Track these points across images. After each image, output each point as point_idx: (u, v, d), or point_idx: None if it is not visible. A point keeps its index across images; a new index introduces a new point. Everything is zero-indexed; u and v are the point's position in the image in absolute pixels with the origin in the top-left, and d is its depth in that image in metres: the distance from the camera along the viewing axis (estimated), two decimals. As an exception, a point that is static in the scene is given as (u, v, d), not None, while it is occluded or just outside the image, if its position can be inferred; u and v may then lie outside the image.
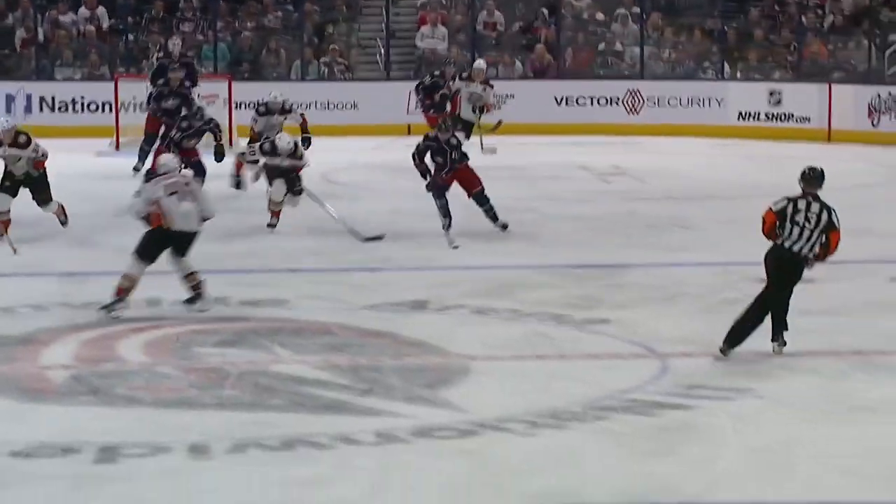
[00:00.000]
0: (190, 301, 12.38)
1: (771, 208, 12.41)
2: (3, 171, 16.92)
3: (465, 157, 18.85)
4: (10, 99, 34.83)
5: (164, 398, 13.71)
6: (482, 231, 21.76)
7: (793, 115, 32.12)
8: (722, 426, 12.77)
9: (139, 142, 29.36)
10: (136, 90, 31.51)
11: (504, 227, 19.73)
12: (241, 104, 32.41)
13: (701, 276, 18.34)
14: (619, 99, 27.07)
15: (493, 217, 19.74)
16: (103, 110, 33.06)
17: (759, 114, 33.69)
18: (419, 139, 22.95)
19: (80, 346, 15.39)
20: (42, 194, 14.25)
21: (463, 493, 11.23)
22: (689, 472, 11.62)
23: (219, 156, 23.49)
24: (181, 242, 12.16)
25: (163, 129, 21.99)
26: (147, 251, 11.50)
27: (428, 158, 20.82)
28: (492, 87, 28.20)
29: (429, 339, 15.40)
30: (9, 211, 17.80)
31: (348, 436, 12.48)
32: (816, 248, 12.21)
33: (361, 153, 30.61)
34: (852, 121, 31.50)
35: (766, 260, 13.04)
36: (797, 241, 11.94)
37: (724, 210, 24.87)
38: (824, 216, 12.29)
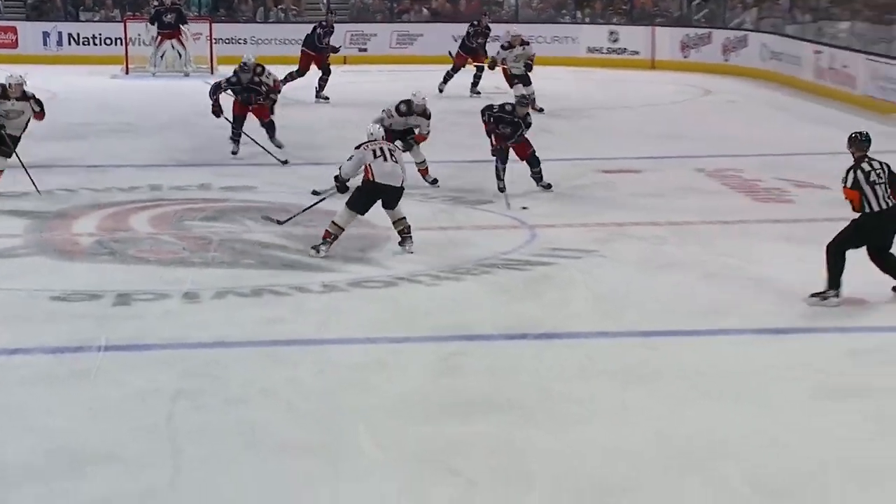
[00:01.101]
0: (400, 244, 12.38)
1: (846, 186, 10.16)
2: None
3: (528, 128, 16.16)
4: (46, 35, 34.25)
5: (165, 258, 13.68)
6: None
7: (626, 50, 32.17)
8: (574, 277, 12.88)
9: (144, 67, 29.90)
10: (140, 29, 31.08)
11: (548, 186, 16.75)
12: (219, 40, 31.90)
13: (561, 168, 18.20)
14: (499, 37, 26.76)
15: (539, 178, 16.62)
16: (116, 44, 32.45)
17: (602, 48, 33.64)
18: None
19: (101, 219, 15.29)
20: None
21: (386, 327, 11.40)
22: (550, 311, 11.85)
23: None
24: (387, 196, 11.76)
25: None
26: (357, 203, 10.86)
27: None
28: (528, 43, 26.00)
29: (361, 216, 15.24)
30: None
31: (302, 286, 12.56)
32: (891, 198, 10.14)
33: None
34: (669, 54, 31.61)
35: (863, 230, 10.41)
36: (881, 199, 10.00)
37: (577, 119, 24.73)
38: (886, 168, 10.21)
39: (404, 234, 12.01)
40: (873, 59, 23.59)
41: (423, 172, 16.78)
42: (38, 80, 25.53)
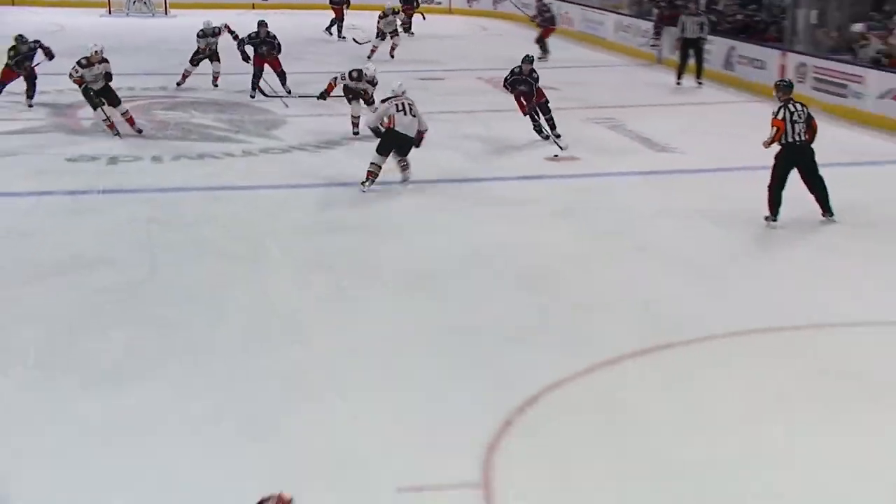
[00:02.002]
0: (403, 181, 10.55)
1: (776, 118, 8.91)
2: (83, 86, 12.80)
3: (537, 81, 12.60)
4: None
5: (138, 135, 13.05)
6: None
7: (433, 1, 30.17)
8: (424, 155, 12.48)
9: (121, 9, 27.70)
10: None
11: (558, 136, 12.37)
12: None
13: (441, 76, 17.92)
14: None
15: (552, 126, 12.49)
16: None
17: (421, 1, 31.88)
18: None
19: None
20: (114, 99, 12.48)
21: (286, 178, 11.26)
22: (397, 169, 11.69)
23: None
24: (402, 143, 10.30)
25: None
26: (383, 148, 9.68)
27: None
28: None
29: (265, 106, 15.00)
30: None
31: (229, 153, 12.30)
32: (805, 135, 9.01)
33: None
34: (462, 4, 29.94)
35: (783, 157, 9.03)
36: (799, 134, 8.89)
37: (409, 43, 23.42)
38: (805, 111, 9.08)
39: (405, 168, 10.60)
40: (585, 8, 23.64)
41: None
42: (45, 16, 24.50)
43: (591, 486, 5.17)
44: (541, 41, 20.25)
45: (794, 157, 9.00)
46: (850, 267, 8.47)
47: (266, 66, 15.55)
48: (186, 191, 10.80)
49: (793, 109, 8.95)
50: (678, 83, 16.70)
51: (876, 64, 14.21)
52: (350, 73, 12.90)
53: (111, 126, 12.60)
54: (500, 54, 17.80)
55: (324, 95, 13.22)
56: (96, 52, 12.37)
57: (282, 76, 15.56)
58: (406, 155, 10.46)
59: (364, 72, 12.92)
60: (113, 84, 12.83)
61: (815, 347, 6.87)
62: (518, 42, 20.17)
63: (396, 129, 10.05)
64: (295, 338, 7.02)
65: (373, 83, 12.95)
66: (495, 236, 9.21)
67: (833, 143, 12.00)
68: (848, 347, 6.85)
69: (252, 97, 15.43)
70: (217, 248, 8.94)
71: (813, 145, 9.06)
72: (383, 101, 10.74)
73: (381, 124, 10.62)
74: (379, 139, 10.60)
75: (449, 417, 5.83)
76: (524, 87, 12.41)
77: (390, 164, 10.63)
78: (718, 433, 5.67)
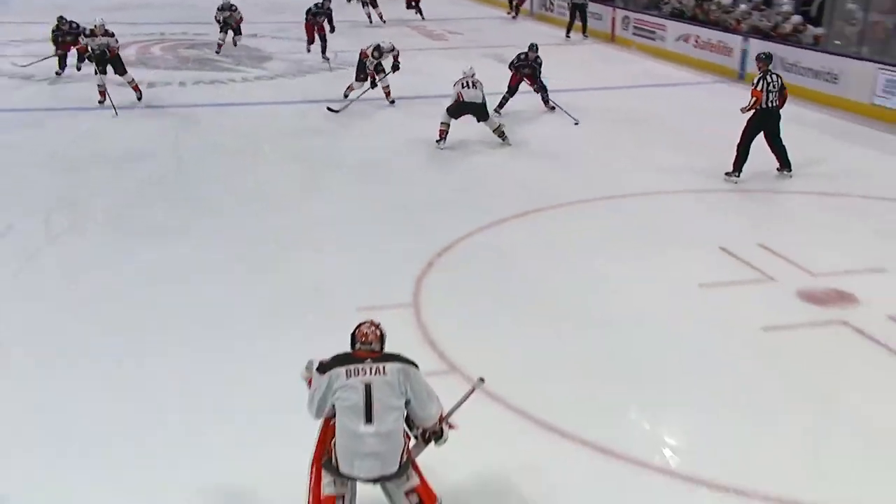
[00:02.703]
0: (502, 139, 8.89)
1: (755, 89, 7.52)
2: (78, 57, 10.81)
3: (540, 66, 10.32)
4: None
5: (168, 67, 12.60)
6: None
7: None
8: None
9: None
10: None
11: (552, 108, 10.16)
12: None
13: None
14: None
15: (546, 100, 10.19)
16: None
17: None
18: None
19: (136, 49, 13.67)
20: (120, 69, 10.46)
21: (275, 96, 10.85)
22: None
23: None
24: (474, 109, 8.77)
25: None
26: (451, 112, 8.66)
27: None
28: None
29: (257, 46, 14.34)
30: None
31: (232, 79, 11.88)
32: (777, 101, 7.59)
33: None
34: None
35: (756, 120, 7.59)
36: (772, 101, 7.47)
37: None
38: (780, 81, 7.64)
39: (502, 134, 8.94)
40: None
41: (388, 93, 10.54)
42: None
43: (486, 305, 5.32)
44: (413, 4, 17.82)
45: (765, 121, 7.60)
46: (651, 154, 8.54)
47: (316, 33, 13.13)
48: (202, 106, 10.43)
49: (770, 80, 7.55)
50: (567, 37, 15.67)
51: (673, 17, 14.21)
52: (372, 52, 10.14)
53: (102, 93, 10.03)
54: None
55: (372, 82, 10.27)
56: (98, 25, 10.19)
57: (325, 41, 13.04)
58: (486, 120, 8.90)
59: (381, 45, 10.34)
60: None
61: (625, 209, 7.05)
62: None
63: (465, 100, 8.76)
64: (281, 208, 7.01)
65: (392, 51, 10.39)
66: (425, 131, 8.96)
67: (645, 72, 12.76)
68: (646, 208, 7.04)
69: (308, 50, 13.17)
70: (224, 147, 8.75)
71: (781, 111, 7.65)
72: (454, 84, 8.97)
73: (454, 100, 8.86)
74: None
75: (391, 260, 5.92)
76: (528, 70, 10.05)
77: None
78: (570, 266, 5.88)
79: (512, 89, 10.02)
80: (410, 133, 9.25)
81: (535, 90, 10.17)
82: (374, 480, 3.11)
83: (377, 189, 7.51)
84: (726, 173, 7.64)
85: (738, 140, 7.56)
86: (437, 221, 6.65)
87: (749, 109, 7.55)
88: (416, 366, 3.18)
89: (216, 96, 10.99)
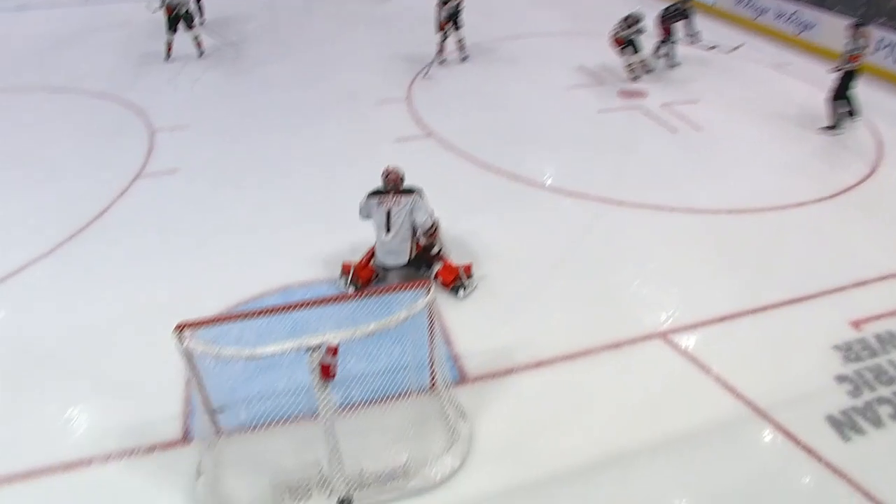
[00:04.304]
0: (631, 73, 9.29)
1: (853, 53, 7.64)
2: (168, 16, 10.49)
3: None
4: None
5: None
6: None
7: None
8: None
9: None
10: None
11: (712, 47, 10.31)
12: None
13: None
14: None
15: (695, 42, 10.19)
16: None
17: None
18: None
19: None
20: (191, 23, 10.30)
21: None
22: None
23: None
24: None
25: None
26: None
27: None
28: None
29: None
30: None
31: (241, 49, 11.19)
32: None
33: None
34: None
35: (848, 79, 7.83)
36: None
37: None
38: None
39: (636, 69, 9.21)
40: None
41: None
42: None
43: (460, 109, 7.97)
44: None
45: (853, 80, 7.88)
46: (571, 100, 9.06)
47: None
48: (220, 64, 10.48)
49: (864, 44, 7.80)
50: None
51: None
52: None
53: (169, 48, 10.45)
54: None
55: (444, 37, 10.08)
56: None
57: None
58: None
59: None
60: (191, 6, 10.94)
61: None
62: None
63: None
64: (330, 41, 10.44)
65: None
66: (406, 47, 10.64)
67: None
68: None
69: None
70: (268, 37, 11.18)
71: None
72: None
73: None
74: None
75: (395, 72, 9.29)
76: (677, 18, 9.89)
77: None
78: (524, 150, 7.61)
79: (665, 40, 10.04)
80: (393, 41, 10.96)
81: (687, 34, 10.05)
82: (394, 268, 4.66)
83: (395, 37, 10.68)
84: (825, 127, 8.12)
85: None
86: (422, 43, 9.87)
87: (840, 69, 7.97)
88: (421, 195, 4.60)
89: (232, 57, 10.73)
